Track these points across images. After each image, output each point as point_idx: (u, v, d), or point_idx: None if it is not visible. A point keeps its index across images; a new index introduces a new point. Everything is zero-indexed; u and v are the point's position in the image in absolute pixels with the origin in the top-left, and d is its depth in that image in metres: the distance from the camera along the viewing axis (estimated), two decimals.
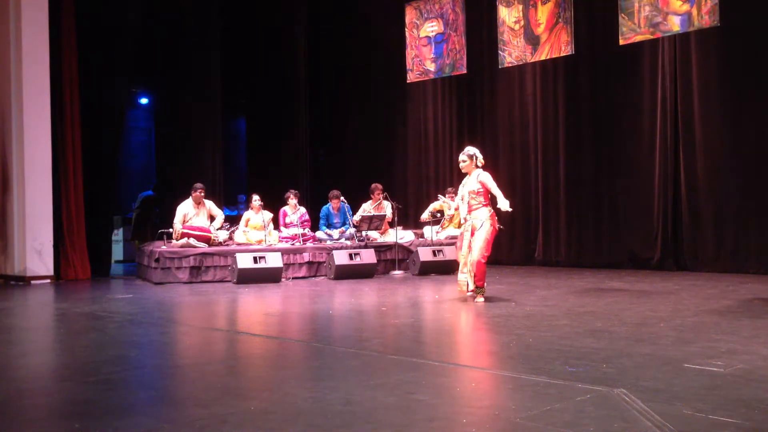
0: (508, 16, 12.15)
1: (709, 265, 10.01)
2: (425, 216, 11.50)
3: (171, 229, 10.00)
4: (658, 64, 10.46)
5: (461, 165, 7.32)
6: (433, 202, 11.97)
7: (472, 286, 7.14)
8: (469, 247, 7.07)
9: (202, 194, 10.22)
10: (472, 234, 7.08)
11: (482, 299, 7.08)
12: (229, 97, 13.89)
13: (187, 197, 10.22)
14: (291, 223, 10.84)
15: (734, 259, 9.82)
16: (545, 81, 11.75)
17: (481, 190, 7.11)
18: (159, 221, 12.38)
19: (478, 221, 7.08)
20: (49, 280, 10.14)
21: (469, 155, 7.22)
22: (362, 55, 14.39)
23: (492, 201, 7.16)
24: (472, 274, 7.06)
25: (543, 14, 11.69)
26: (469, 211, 7.16)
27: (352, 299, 7.82)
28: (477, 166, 7.21)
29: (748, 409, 3.25)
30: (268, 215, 10.56)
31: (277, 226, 10.84)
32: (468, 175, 7.28)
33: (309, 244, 10.39)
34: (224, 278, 9.60)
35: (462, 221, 7.39)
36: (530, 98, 11.96)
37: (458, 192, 7.48)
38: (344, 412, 3.29)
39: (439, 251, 10.40)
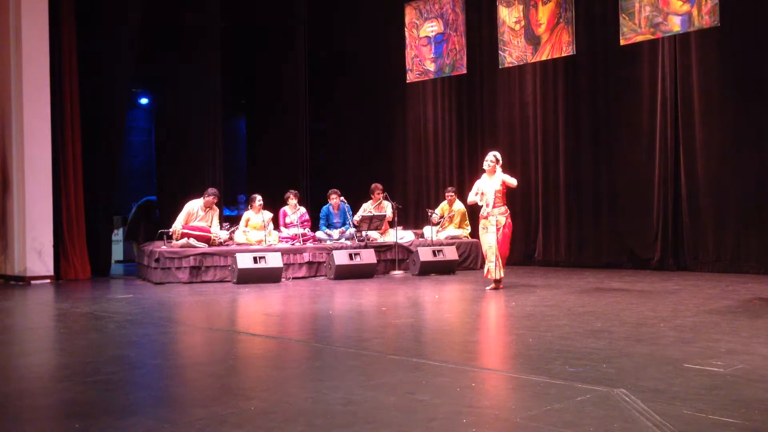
0: (508, 16, 12.15)
1: (709, 265, 10.02)
2: (434, 217, 11.45)
3: (171, 229, 9.99)
4: (658, 64, 10.46)
5: (489, 165, 8.19)
6: (430, 201, 11.97)
7: (500, 275, 8.06)
8: (498, 241, 8.01)
9: (215, 200, 10.26)
10: (498, 228, 8.06)
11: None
12: (229, 97, 13.89)
13: (198, 197, 10.21)
14: (291, 223, 10.84)
15: (734, 259, 9.83)
16: (545, 81, 11.75)
17: (501, 190, 8.13)
18: (153, 225, 12.37)
19: (502, 217, 8.14)
20: (49, 280, 10.14)
21: (497, 158, 8.20)
22: (362, 55, 14.39)
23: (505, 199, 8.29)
24: (501, 264, 8.07)
25: (544, 14, 11.69)
26: (494, 206, 8.11)
27: (352, 299, 7.81)
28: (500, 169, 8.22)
29: (748, 409, 3.25)
30: (268, 215, 10.56)
31: (277, 226, 10.84)
32: (489, 176, 8.19)
33: (309, 244, 10.39)
34: (224, 278, 9.60)
35: (483, 216, 8.23)
36: (530, 98, 11.96)
37: (476, 188, 8.33)
38: (344, 412, 3.29)
39: (439, 251, 10.40)
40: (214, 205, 10.30)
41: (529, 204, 11.93)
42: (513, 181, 8.18)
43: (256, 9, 14.26)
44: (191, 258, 9.54)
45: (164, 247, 9.76)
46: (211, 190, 10.24)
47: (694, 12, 10.07)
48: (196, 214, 10.10)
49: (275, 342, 5.39)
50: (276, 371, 4.40)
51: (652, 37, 10.50)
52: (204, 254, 9.65)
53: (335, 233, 10.94)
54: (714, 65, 10.00)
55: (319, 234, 10.90)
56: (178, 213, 10.11)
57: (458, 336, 5.56)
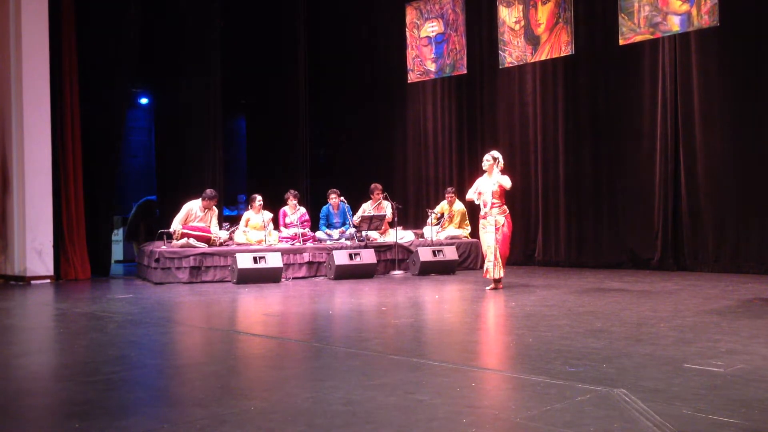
0: (508, 16, 12.16)
1: (709, 265, 10.02)
2: (432, 219, 11.48)
3: (171, 229, 9.99)
4: (658, 64, 10.46)
5: (484, 164, 8.22)
6: (430, 201, 11.98)
7: (499, 274, 8.05)
8: (497, 241, 8.01)
9: (214, 202, 10.25)
10: (497, 229, 8.02)
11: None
12: (229, 97, 13.90)
13: (196, 197, 10.20)
14: (291, 223, 10.84)
15: (734, 259, 9.83)
16: (545, 81, 11.75)
17: (497, 191, 8.07)
18: (153, 225, 12.37)
19: (501, 217, 8.11)
20: (49, 280, 10.15)
21: (494, 157, 8.18)
22: (362, 55, 14.40)
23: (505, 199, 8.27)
24: (501, 264, 8.06)
25: (543, 14, 11.69)
26: (491, 207, 8.07)
27: (352, 299, 7.82)
28: (498, 170, 8.13)
29: (748, 409, 3.25)
30: (268, 215, 10.56)
31: (277, 226, 10.84)
32: (488, 175, 8.16)
33: (309, 244, 10.39)
34: (224, 278, 9.60)
35: (482, 216, 8.23)
36: (530, 98, 11.96)
37: (475, 187, 8.33)
38: (344, 412, 3.29)
39: (439, 251, 10.40)
40: (213, 206, 10.29)
41: (529, 204, 11.93)
42: (506, 184, 8.09)
43: (256, 9, 14.26)
44: (191, 258, 9.54)
45: (164, 247, 9.76)
46: (208, 191, 10.22)
47: (694, 12, 10.07)
48: (195, 214, 10.10)
49: (275, 342, 5.39)
50: (276, 371, 4.40)
51: (652, 36, 10.50)
52: (204, 254, 9.65)
53: (335, 233, 10.94)
54: (714, 65, 9.99)
55: (319, 234, 10.91)
56: (178, 213, 10.11)
57: (458, 336, 5.56)
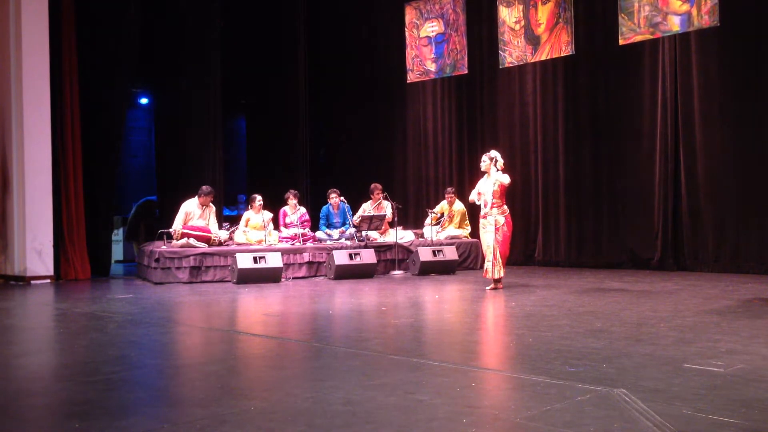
0: (508, 16, 12.15)
1: (709, 265, 10.02)
2: (429, 219, 11.50)
3: (171, 230, 9.99)
4: (658, 64, 10.46)
5: (481, 165, 8.24)
6: (430, 201, 11.97)
7: (500, 274, 8.07)
8: (497, 241, 8.01)
9: (211, 198, 10.24)
10: (497, 229, 8.02)
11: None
12: (229, 97, 13.90)
13: (193, 197, 10.20)
14: (291, 223, 10.84)
15: (734, 259, 9.83)
16: (545, 81, 11.75)
17: (498, 191, 8.07)
18: (153, 225, 12.36)
19: (501, 217, 8.11)
20: (49, 280, 10.15)
21: (490, 157, 8.17)
22: (362, 55, 14.40)
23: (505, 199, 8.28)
24: (501, 264, 8.07)
25: (543, 14, 11.69)
26: (491, 207, 8.08)
27: (352, 299, 7.82)
28: (496, 169, 8.10)
29: (748, 409, 3.25)
30: (268, 215, 10.56)
31: (277, 226, 10.84)
32: (487, 175, 8.17)
33: (309, 244, 10.39)
34: (224, 278, 9.60)
35: (483, 216, 8.24)
36: (530, 98, 11.96)
37: (477, 188, 8.35)
38: (344, 412, 3.29)
39: (439, 251, 10.40)
40: (210, 203, 10.29)
41: (528, 204, 11.93)
42: (505, 181, 8.09)
43: (256, 9, 14.26)
44: (191, 258, 9.54)
45: (164, 247, 9.76)
46: (204, 188, 10.21)
47: (694, 12, 10.07)
48: (193, 213, 10.10)
49: (275, 342, 5.39)
50: (276, 371, 4.40)
51: (652, 36, 10.50)
52: (204, 254, 9.65)
53: (335, 233, 10.94)
54: (714, 65, 10.00)
55: (319, 234, 10.91)
56: (178, 213, 10.11)
57: (458, 336, 5.56)
